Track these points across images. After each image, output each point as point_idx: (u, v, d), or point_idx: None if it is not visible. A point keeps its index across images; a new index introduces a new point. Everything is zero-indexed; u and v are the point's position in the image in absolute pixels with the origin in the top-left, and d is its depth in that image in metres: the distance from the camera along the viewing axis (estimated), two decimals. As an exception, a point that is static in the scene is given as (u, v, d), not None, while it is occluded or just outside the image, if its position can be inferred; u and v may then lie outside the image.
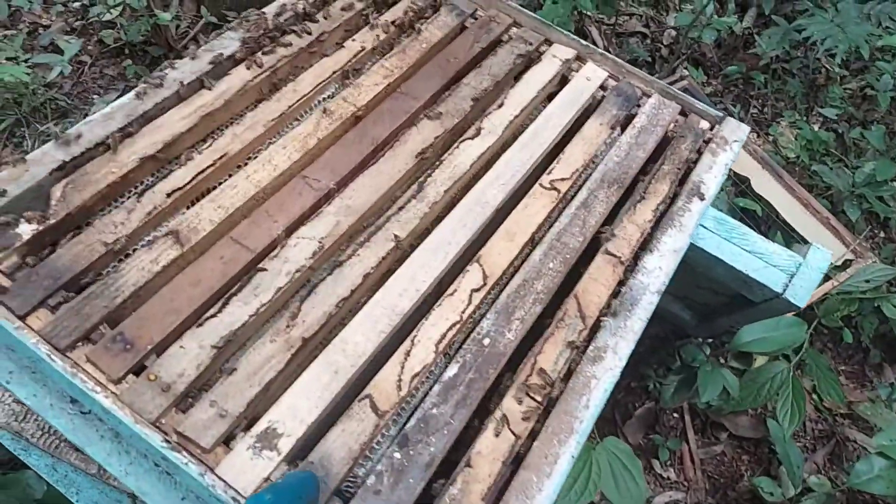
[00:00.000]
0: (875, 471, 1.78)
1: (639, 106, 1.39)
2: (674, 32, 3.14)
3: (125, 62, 2.68)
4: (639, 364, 2.20)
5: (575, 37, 1.45)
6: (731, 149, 1.32)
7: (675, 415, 2.33)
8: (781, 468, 2.22)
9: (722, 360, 2.39)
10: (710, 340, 2.43)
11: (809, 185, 2.68)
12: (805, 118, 2.96)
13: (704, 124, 1.37)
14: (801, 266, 1.63)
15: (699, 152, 1.32)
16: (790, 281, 1.64)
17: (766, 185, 2.53)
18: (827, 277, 2.19)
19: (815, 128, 2.89)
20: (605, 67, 1.42)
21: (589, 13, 2.96)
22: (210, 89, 1.19)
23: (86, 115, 2.60)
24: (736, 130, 1.35)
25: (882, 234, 2.66)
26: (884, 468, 1.77)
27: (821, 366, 2.07)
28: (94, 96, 2.66)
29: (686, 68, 2.92)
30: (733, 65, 3.03)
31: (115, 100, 2.71)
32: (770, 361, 2.30)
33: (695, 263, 1.59)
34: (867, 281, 2.16)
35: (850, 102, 2.99)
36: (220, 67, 1.23)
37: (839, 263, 2.31)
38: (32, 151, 1.05)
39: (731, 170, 1.43)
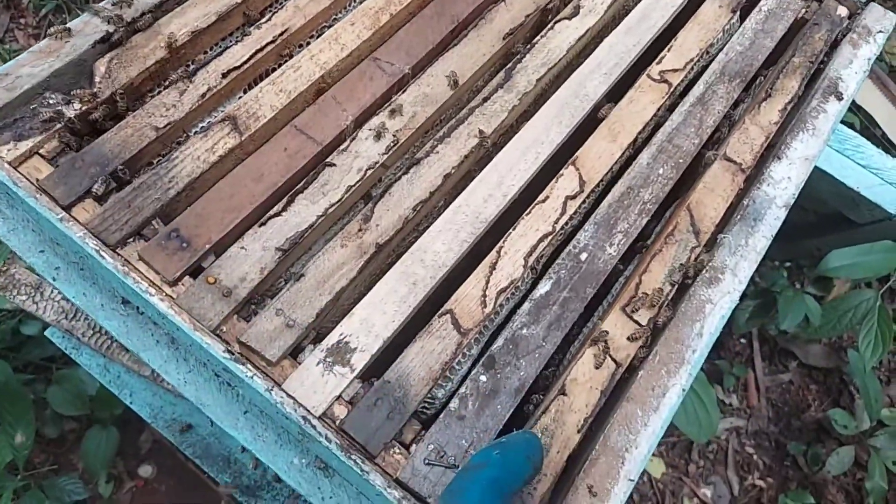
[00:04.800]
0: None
1: (764, -14, 1.17)
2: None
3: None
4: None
5: None
6: (874, 41, 1.11)
7: (743, 340, 2.21)
8: (855, 401, 2.10)
9: (798, 286, 2.23)
10: (787, 264, 2.26)
11: (917, 96, 2.38)
12: (917, 20, 2.61)
13: (842, 11, 1.15)
14: (923, 185, 1.43)
15: (835, 44, 1.11)
16: (907, 202, 1.44)
17: (867, 95, 2.25)
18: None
19: (930, 30, 2.55)
20: (726, -62, 1.19)
21: None
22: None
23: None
24: (881, 19, 1.13)
25: None
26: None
27: (913, 294, 1.87)
28: (136, -22, 2.48)
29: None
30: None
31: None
32: (853, 289, 2.13)
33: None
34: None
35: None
36: (278, -73, 1.05)
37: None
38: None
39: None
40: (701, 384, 1.57)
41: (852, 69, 1.07)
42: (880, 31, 1.12)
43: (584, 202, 0.93)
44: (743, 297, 2.10)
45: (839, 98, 1.03)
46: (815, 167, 1.40)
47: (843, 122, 2.22)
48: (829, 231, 1.75)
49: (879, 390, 1.90)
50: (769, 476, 1.96)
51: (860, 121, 2.20)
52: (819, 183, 1.49)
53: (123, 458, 1.74)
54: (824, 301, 2.04)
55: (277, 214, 0.85)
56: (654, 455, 1.95)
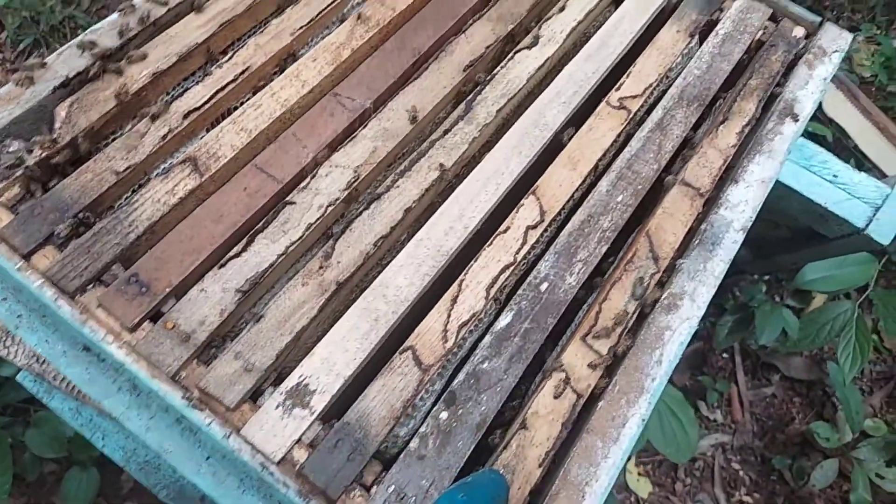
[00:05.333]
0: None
1: (721, 10, 1.19)
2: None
3: (143, -27, 2.49)
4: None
5: (647, -72, 1.23)
6: (830, 61, 1.13)
7: (725, 355, 2.21)
8: (838, 413, 2.10)
9: (777, 299, 2.24)
10: (766, 277, 2.28)
11: (886, 107, 2.41)
12: (885, 32, 2.65)
13: (799, 31, 1.17)
14: (889, 198, 1.45)
15: (792, 65, 1.13)
16: (874, 215, 1.46)
17: (838, 107, 2.28)
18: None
19: (896, 44, 2.59)
20: (683, -36, 1.21)
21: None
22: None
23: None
24: (837, 39, 1.15)
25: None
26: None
27: (890, 304, 1.87)
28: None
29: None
30: (808, -33, 2.70)
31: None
32: (831, 301, 2.14)
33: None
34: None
35: (941, 14, 2.66)
36: (239, -33, 1.07)
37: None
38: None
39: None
40: (678, 404, 1.56)
41: (808, 90, 1.09)
42: (836, 51, 1.14)
43: (545, 231, 0.94)
44: (722, 312, 2.10)
45: (795, 119, 1.05)
46: (783, 184, 1.42)
47: (814, 135, 2.25)
48: (802, 246, 1.76)
49: (860, 402, 1.90)
50: (756, 492, 1.95)
51: (832, 133, 2.23)
52: (788, 200, 1.50)
53: (105, 499, 1.72)
54: (804, 313, 2.05)
55: (237, 255, 0.85)
56: (640, 475, 1.94)
